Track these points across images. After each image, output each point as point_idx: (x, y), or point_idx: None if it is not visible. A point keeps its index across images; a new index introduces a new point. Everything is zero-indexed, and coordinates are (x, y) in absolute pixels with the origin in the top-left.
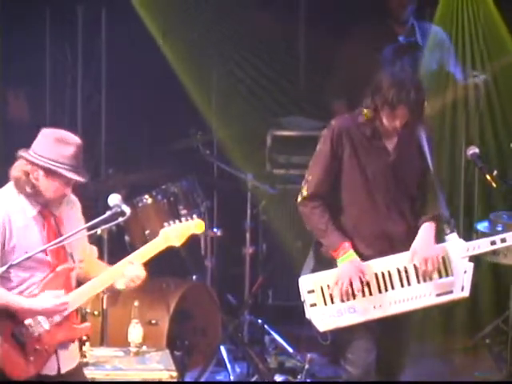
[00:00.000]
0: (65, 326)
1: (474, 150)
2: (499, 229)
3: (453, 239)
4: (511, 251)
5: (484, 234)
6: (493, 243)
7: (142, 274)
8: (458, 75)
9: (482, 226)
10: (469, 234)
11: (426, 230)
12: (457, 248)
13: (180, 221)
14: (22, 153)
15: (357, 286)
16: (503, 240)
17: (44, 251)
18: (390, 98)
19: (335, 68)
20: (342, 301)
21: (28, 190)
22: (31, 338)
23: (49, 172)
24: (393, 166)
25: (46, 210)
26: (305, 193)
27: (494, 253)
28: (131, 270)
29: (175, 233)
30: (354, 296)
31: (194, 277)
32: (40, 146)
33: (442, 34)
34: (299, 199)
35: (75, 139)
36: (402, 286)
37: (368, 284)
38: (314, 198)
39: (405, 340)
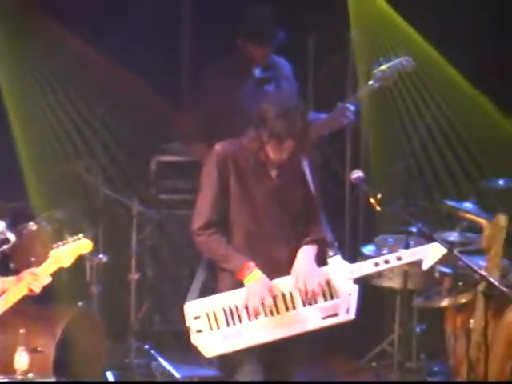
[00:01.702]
0: None
1: (357, 173)
2: (385, 252)
3: (336, 262)
4: (396, 274)
5: (369, 258)
6: (376, 265)
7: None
8: None
9: (368, 249)
10: (355, 258)
11: (305, 252)
12: (341, 270)
13: (68, 242)
14: None
15: (268, 302)
16: (386, 261)
17: None
18: (277, 130)
19: (194, 107)
20: (234, 323)
21: None
22: None
23: None
24: (276, 191)
25: None
26: (198, 222)
27: (380, 276)
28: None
29: (65, 253)
30: (265, 313)
31: (80, 303)
32: None
33: (288, 64)
34: (193, 229)
35: None
36: (288, 309)
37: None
38: (208, 226)
39: (292, 363)
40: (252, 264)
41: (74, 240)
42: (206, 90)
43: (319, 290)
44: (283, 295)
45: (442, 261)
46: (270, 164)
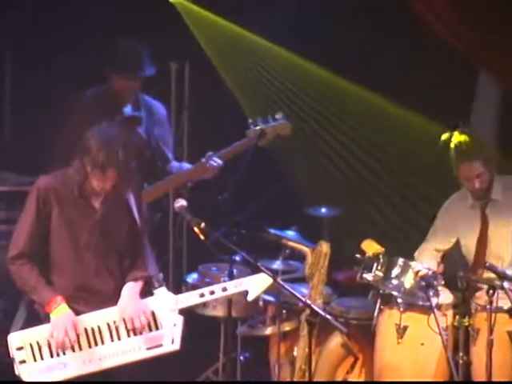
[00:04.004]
0: None
1: (181, 202)
2: (208, 281)
3: (161, 293)
4: (220, 303)
5: (193, 286)
6: (202, 295)
7: None
8: (170, 154)
9: (191, 277)
10: (178, 286)
11: (130, 288)
12: (166, 301)
13: None
14: None
15: (72, 337)
16: (212, 292)
17: None
18: (100, 161)
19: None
20: (58, 355)
21: None
22: None
23: None
24: (100, 223)
25: None
26: (11, 252)
27: (204, 305)
28: None
29: None
30: (71, 348)
31: None
32: None
33: (163, 109)
34: (7, 258)
35: None
36: (112, 340)
37: (78, 339)
38: (21, 256)
39: None
40: (59, 298)
41: None
42: (73, 117)
43: (145, 323)
44: (108, 326)
45: (266, 289)
46: (94, 195)
